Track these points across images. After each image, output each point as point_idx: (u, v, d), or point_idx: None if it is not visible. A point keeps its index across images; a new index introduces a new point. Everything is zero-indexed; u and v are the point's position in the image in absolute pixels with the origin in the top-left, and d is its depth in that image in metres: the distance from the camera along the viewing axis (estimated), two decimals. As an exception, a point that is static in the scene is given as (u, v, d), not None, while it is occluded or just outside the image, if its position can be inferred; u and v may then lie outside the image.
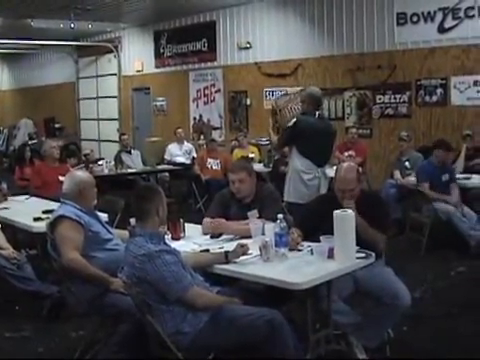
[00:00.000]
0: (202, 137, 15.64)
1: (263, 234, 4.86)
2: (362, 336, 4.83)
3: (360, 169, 5.48)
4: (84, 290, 4.78)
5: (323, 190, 7.13)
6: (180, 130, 14.14)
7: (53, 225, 5.00)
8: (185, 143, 14.14)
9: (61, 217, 4.98)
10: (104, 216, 6.14)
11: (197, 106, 16.80)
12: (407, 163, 9.90)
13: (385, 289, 4.78)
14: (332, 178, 5.94)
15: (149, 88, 18.39)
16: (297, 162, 7.27)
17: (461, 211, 8.38)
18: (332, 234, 4.51)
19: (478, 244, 8.18)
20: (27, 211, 7.24)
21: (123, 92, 19.51)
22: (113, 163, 12.37)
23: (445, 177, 8.60)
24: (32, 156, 11.26)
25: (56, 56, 22.40)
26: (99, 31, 19.08)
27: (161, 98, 17.95)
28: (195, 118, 16.86)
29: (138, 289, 4.03)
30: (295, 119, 7.25)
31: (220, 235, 5.39)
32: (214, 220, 5.46)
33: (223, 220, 5.45)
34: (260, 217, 5.39)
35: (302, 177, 7.19)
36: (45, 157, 9.50)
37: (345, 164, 5.42)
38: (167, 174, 13.50)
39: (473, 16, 10.88)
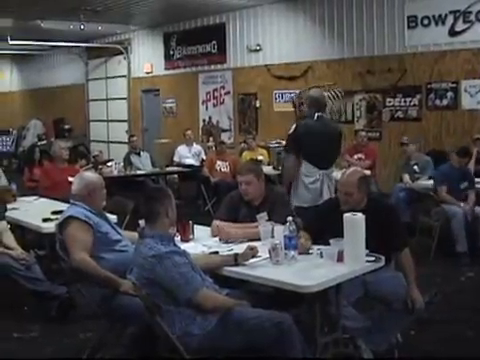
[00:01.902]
0: (211, 139, 15.64)
1: (272, 237, 4.86)
2: (370, 340, 4.82)
3: (368, 173, 5.45)
4: (93, 291, 4.78)
5: (326, 193, 7.06)
6: (189, 132, 14.13)
7: (62, 226, 5.00)
8: (194, 145, 14.13)
9: (70, 218, 4.98)
10: (113, 218, 6.14)
11: (206, 108, 16.81)
12: (416, 167, 9.86)
13: (397, 295, 4.78)
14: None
15: (158, 90, 18.41)
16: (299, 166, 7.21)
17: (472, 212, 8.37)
18: (339, 237, 4.50)
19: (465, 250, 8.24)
20: (36, 212, 7.26)
21: (132, 94, 19.53)
22: (122, 164, 12.40)
23: (464, 185, 8.57)
24: (41, 157, 11.27)
25: (66, 57, 22.44)
26: (109, 33, 19.13)
27: (170, 100, 17.96)
28: (204, 120, 16.86)
29: (147, 290, 4.03)
30: (294, 125, 7.21)
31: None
32: (222, 228, 5.44)
33: (231, 227, 5.44)
34: (269, 220, 5.38)
35: (303, 181, 7.11)
36: (54, 158, 9.51)
37: (352, 168, 5.45)
38: (176, 176, 13.51)
39: (484, 20, 10.88)
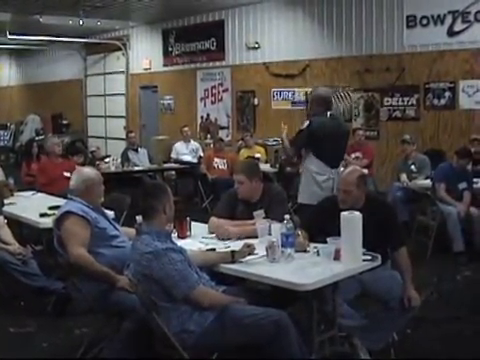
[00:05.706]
0: (209, 136, 15.62)
1: (270, 234, 4.85)
2: (367, 338, 4.82)
3: (366, 172, 5.44)
4: (90, 287, 4.78)
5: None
6: (186, 128, 14.10)
7: (59, 221, 5.00)
8: (191, 142, 14.10)
9: (68, 213, 4.97)
10: (110, 213, 6.12)
11: (205, 105, 16.80)
12: (413, 166, 9.86)
13: (393, 293, 4.80)
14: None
15: (157, 86, 18.41)
16: (310, 164, 7.09)
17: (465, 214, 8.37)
18: (336, 235, 4.51)
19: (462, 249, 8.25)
20: (33, 207, 7.26)
21: (131, 90, 19.53)
22: (120, 160, 12.39)
23: (462, 185, 8.56)
24: (39, 152, 11.23)
25: (64, 53, 22.41)
26: (108, 29, 19.12)
27: (168, 96, 17.95)
28: (202, 117, 16.85)
29: (144, 287, 4.03)
30: (308, 122, 7.09)
31: (226, 234, 5.39)
32: (220, 225, 5.44)
33: (228, 225, 5.43)
34: (267, 217, 5.38)
35: (316, 179, 6.94)
36: (48, 153, 9.57)
37: (351, 167, 5.48)
38: (173, 172, 13.51)
39: (483, 20, 10.88)
